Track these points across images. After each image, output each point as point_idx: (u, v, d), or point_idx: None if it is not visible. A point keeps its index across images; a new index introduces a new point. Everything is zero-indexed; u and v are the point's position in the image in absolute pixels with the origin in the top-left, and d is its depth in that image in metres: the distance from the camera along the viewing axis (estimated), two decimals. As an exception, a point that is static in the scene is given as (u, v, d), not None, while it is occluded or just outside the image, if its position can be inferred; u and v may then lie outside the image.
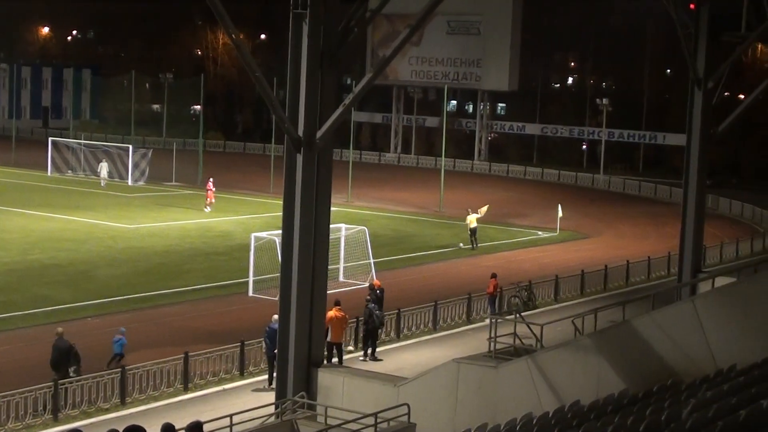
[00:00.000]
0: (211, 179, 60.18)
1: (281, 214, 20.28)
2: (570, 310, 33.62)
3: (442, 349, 31.01)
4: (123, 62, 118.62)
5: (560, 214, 54.40)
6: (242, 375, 28.00)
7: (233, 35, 18.49)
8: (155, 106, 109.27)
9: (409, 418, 18.38)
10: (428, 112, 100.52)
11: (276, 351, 21.43)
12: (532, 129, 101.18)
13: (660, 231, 58.55)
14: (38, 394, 23.88)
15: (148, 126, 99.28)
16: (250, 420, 18.58)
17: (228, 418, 17.58)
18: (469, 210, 50.04)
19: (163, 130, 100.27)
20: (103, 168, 70.22)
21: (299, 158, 19.83)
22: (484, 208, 51.28)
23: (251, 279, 37.33)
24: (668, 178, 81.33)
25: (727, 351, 20.10)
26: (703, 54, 30.05)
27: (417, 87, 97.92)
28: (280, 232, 20.78)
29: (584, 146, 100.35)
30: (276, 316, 22.50)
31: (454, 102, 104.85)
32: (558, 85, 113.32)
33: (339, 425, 17.92)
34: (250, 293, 37.12)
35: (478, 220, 49.68)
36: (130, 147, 72.23)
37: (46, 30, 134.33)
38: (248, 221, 54.26)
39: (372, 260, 40.10)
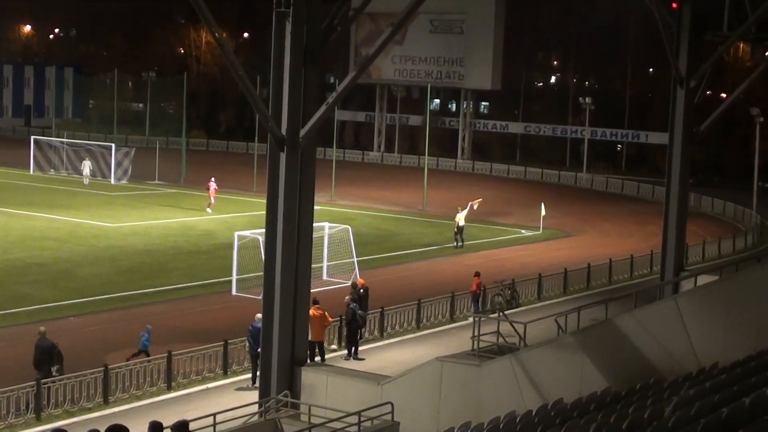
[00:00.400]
0: (212, 178, 59.09)
1: (264, 212, 20.28)
2: (553, 308, 33.65)
3: (426, 348, 31.03)
4: (105, 60, 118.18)
5: (543, 212, 54.50)
6: (226, 374, 27.96)
7: (216, 34, 18.44)
8: (138, 105, 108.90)
9: (392, 416, 18.38)
10: (411, 110, 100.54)
11: (259, 350, 21.41)
12: (515, 128, 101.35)
13: (643, 229, 58.72)
14: (21, 393, 23.80)
15: (130, 124, 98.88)
16: (234, 419, 18.54)
17: (211, 417, 17.55)
18: (459, 208, 50.03)
19: (146, 128, 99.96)
20: (86, 166, 69.98)
21: (282, 157, 19.80)
22: (477, 201, 51.42)
23: (234, 278, 37.28)
24: (651, 176, 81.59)
25: (710, 349, 20.19)
26: (686, 53, 30.14)
27: (400, 86, 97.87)
28: (263, 230, 20.76)
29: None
30: (259, 315, 22.47)
31: (437, 101, 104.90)
32: (541, 83, 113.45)
33: (322, 424, 17.91)
34: (234, 292, 37.07)
35: (473, 213, 49.78)
36: (113, 146, 71.93)
37: (28, 28, 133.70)
38: (231, 220, 54.16)
39: (355, 259, 40.09)
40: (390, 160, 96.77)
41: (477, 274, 36.05)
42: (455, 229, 49.52)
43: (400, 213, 61.35)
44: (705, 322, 20.59)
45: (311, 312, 27.64)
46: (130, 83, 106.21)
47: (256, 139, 71.70)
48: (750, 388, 15.66)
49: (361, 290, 32.09)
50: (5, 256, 42.45)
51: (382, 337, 32.54)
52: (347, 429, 17.62)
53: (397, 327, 33.37)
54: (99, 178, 69.94)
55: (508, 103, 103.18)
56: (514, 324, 22.16)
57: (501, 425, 16.96)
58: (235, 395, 26.14)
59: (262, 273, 20.60)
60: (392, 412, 18.38)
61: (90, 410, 24.66)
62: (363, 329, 31.16)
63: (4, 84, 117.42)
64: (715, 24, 30.31)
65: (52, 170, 74.22)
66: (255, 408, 20.03)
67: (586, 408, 17.46)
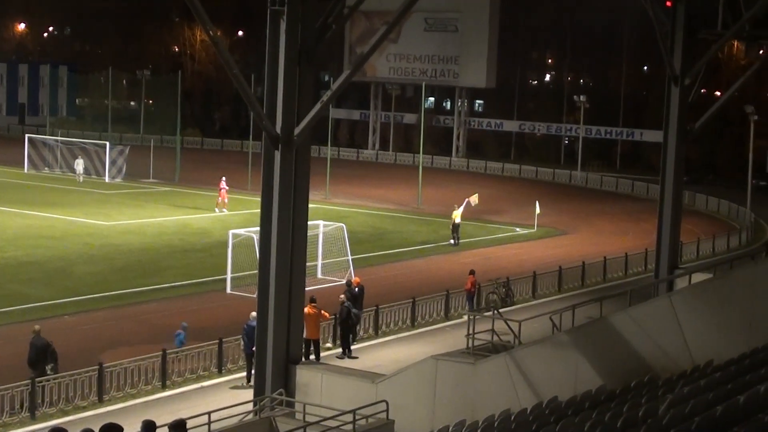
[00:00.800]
0: (223, 178, 58.60)
1: (259, 210, 20.27)
2: (547, 306, 33.68)
3: (420, 346, 31.03)
4: (100, 59, 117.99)
5: (538, 210, 54.54)
6: (220, 372, 27.94)
7: (211, 32, 18.41)
8: (132, 103, 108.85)
9: (387, 414, 18.40)
10: (406, 108, 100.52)
11: (254, 348, 21.40)
12: (510, 126, 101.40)
13: (637, 227, 58.76)
14: (15, 392, 23.75)
15: (125, 123, 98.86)
16: (229, 417, 18.52)
17: (206, 416, 17.54)
18: (456, 205, 50.02)
19: (141, 126, 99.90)
20: (80, 164, 69.89)
21: (277, 155, 19.80)
22: (475, 197, 51.40)
23: (229, 276, 37.24)
24: (645, 174, 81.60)
25: (704, 347, 20.20)
26: (680, 51, 30.16)
27: (395, 84, 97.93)
28: (258, 229, 20.75)
29: (566, 141, 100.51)
30: (254, 314, 22.47)
31: (432, 99, 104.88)
32: (535, 82, 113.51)
33: (317, 422, 17.91)
34: (228, 290, 37.03)
35: (470, 211, 49.78)
36: (107, 144, 71.92)
37: (22, 26, 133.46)
38: (226, 218, 54.13)
39: (350, 257, 40.08)
40: (385, 158, 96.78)
41: (472, 272, 36.06)
42: (451, 227, 49.55)
43: (395, 211, 61.35)
44: (699, 320, 20.60)
45: (306, 310, 27.69)
46: (124, 81, 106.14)
47: (251, 137, 71.71)
48: (744, 385, 15.68)
49: (356, 289, 32.05)
50: (0, 254, 42.40)
51: (376, 335, 32.53)
52: (342, 427, 17.61)
53: (391, 325, 33.36)
54: (93, 177, 69.86)
55: (502, 101, 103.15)
56: (508, 322, 22.18)
57: (496, 423, 16.96)
58: (229, 394, 26.13)
59: (256, 271, 20.60)
60: (387, 410, 18.39)
61: (85, 409, 24.63)
62: (358, 327, 31.17)
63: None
64: (710, 22, 30.31)
65: (46, 168, 74.09)
66: (250, 406, 20.03)
67: (581, 406, 17.47)
